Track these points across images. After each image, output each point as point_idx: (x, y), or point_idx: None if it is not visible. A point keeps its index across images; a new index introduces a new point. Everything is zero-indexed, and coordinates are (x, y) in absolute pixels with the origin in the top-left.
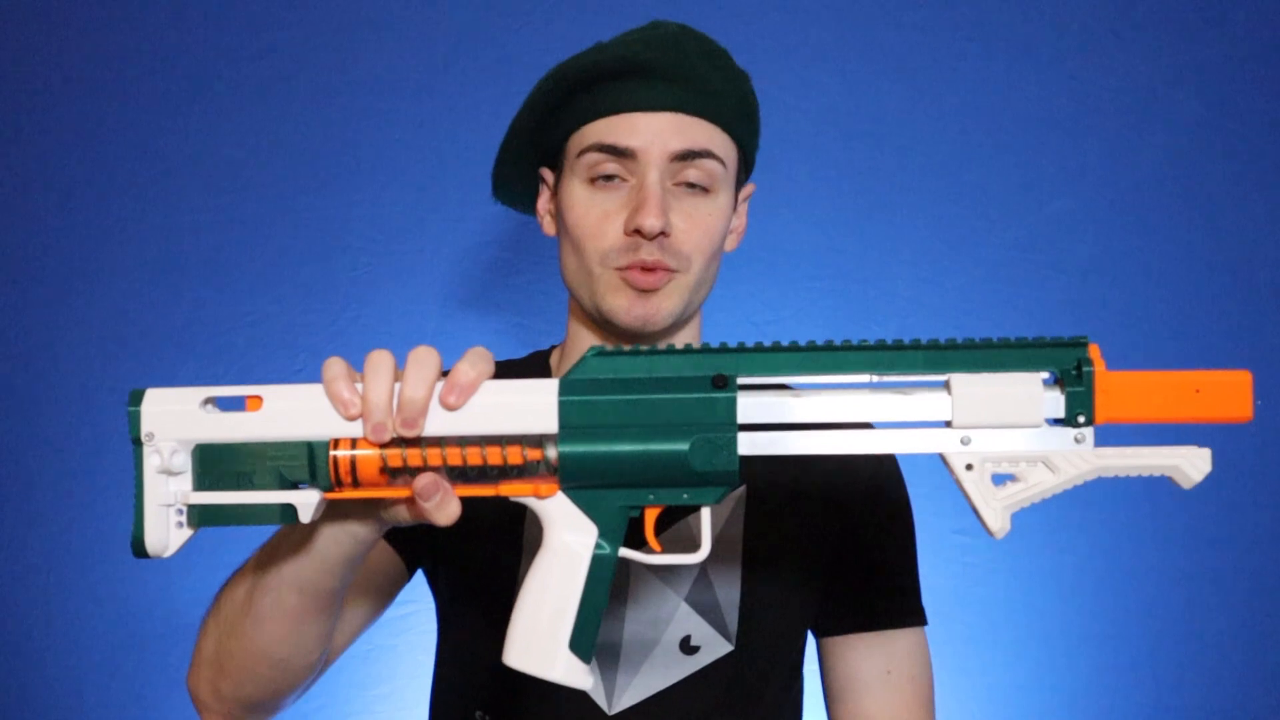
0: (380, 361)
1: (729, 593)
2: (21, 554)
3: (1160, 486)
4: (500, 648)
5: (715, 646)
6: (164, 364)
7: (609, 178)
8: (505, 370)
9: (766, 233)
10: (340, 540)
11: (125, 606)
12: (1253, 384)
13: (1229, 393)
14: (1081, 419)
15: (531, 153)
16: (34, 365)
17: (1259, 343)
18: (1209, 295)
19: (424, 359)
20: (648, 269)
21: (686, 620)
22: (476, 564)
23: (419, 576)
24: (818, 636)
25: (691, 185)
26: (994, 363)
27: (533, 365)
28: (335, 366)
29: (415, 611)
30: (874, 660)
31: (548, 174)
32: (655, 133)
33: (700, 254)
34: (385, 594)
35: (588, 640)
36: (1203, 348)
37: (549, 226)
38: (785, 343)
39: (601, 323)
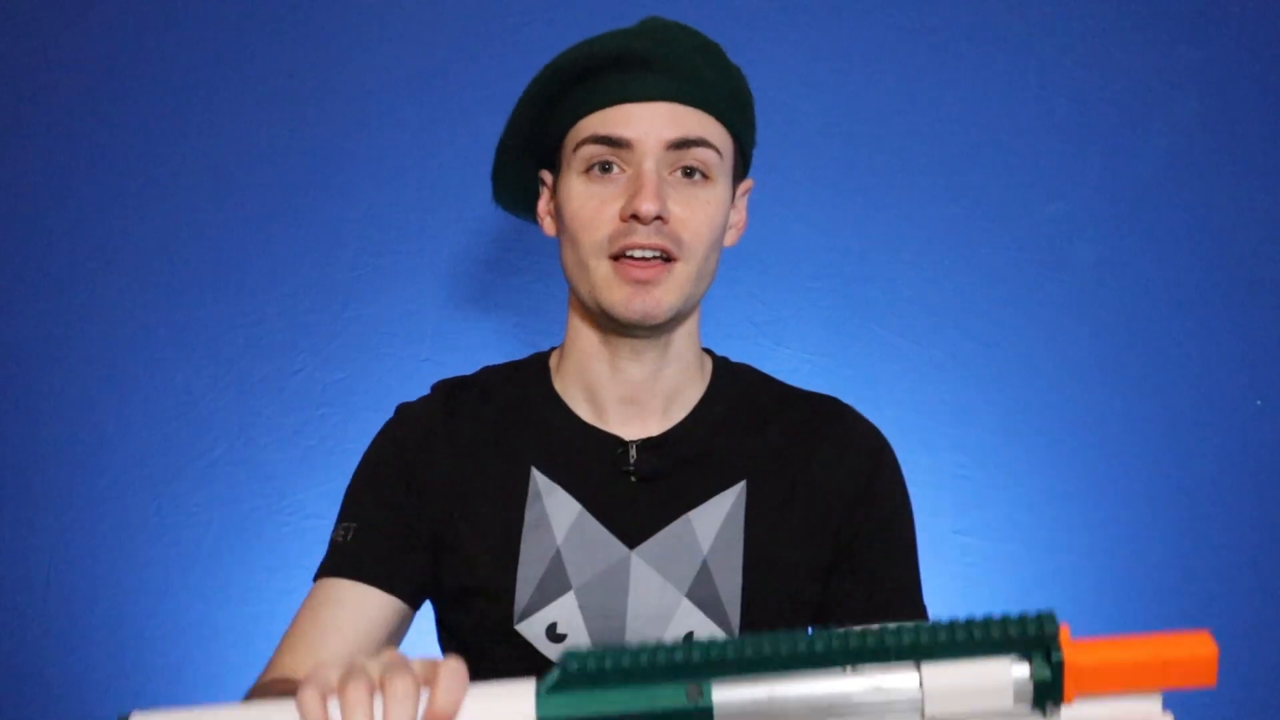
0: (358, 702)
1: (730, 588)
2: (22, 554)
3: (1160, 486)
4: (502, 652)
5: None
6: (164, 364)
7: (606, 168)
8: (506, 373)
9: (766, 232)
10: None
11: (125, 606)
12: (1218, 655)
13: (1194, 667)
14: (1050, 705)
15: (530, 153)
16: (34, 365)
17: (1258, 343)
18: (1209, 295)
19: (402, 696)
20: (644, 260)
21: (688, 616)
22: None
23: None
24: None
25: (688, 174)
26: (963, 648)
27: (532, 367)
28: (312, 703)
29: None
30: None
31: (547, 176)
32: (650, 122)
33: (700, 242)
34: (398, 638)
35: None
36: (1202, 348)
37: (549, 227)
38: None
39: (601, 317)
